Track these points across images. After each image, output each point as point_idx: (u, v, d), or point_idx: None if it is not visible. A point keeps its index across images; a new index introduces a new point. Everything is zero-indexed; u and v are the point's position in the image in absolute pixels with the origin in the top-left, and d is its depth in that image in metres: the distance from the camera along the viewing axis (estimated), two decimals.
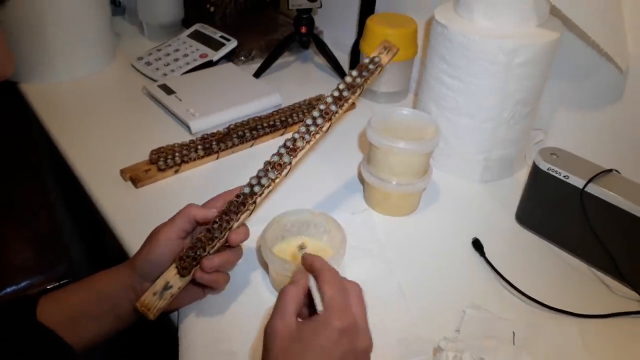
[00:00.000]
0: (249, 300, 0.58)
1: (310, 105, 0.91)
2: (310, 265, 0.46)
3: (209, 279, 0.52)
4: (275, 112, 0.88)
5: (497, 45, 0.66)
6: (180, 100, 0.88)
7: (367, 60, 0.60)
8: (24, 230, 1.69)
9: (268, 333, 0.42)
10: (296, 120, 0.87)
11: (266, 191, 0.54)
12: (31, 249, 1.64)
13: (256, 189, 0.54)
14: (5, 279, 1.51)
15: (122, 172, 0.74)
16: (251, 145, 0.83)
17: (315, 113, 0.57)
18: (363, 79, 0.59)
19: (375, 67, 0.60)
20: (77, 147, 0.80)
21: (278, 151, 0.56)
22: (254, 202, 0.53)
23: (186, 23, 1.13)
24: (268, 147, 0.83)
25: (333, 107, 0.57)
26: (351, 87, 0.58)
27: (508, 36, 0.66)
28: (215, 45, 1.03)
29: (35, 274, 1.55)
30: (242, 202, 0.53)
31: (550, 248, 0.67)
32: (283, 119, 0.86)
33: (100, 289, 0.53)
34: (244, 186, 0.54)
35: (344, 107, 0.58)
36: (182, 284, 0.52)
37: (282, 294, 0.43)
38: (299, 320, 0.43)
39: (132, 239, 0.64)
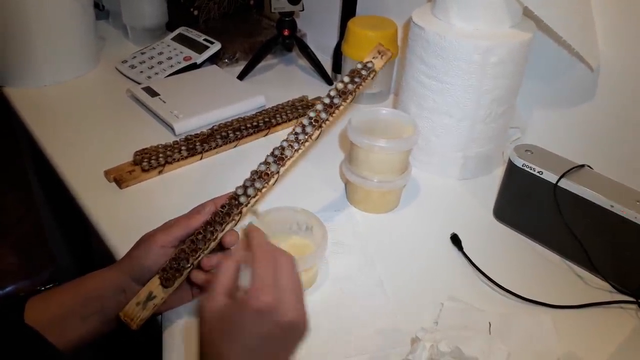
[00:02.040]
0: None
1: (293, 106, 0.92)
2: (250, 241, 0.46)
3: (205, 279, 0.53)
4: (258, 113, 0.89)
5: (472, 45, 0.68)
6: (164, 102, 0.89)
7: (359, 66, 0.59)
8: (9, 235, 1.68)
9: (200, 310, 0.43)
10: (279, 121, 0.88)
11: (252, 201, 0.53)
12: (16, 254, 1.63)
13: (242, 199, 0.53)
14: None
15: (107, 173, 0.75)
16: (235, 146, 0.84)
17: (305, 121, 0.56)
18: (355, 86, 0.58)
19: (368, 72, 0.59)
20: (61, 150, 0.81)
21: (265, 160, 0.55)
22: (240, 213, 0.53)
23: (170, 26, 1.14)
24: (252, 148, 0.85)
25: (323, 115, 0.56)
26: (342, 94, 0.57)
27: (482, 37, 0.68)
28: (199, 48, 1.04)
29: (21, 279, 1.55)
30: (227, 212, 0.53)
31: (526, 242, 0.69)
32: (267, 119, 0.88)
33: (88, 290, 0.53)
34: (231, 195, 0.54)
35: (334, 115, 0.57)
36: (165, 295, 0.52)
37: (216, 270, 0.44)
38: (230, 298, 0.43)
39: (117, 239, 0.65)
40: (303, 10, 0.98)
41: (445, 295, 0.60)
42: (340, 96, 0.57)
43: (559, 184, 0.63)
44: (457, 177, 0.79)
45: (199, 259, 0.52)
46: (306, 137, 0.55)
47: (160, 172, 0.77)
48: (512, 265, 0.66)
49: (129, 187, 0.74)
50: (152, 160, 0.76)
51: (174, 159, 0.78)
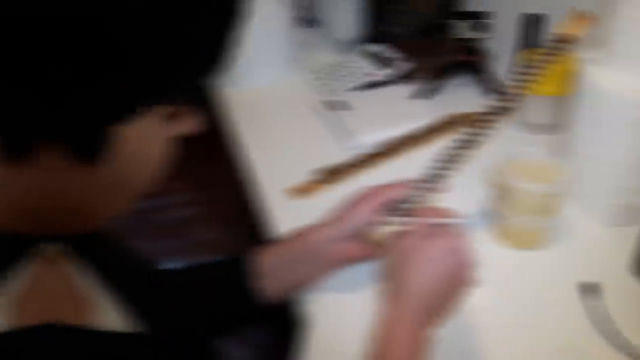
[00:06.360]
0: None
1: (455, 123, 0.97)
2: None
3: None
4: (423, 131, 0.96)
5: (633, 101, 0.66)
6: (348, 117, 1.00)
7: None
8: (214, 213, 1.97)
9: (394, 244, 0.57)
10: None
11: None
12: (219, 230, 1.91)
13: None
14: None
15: (295, 190, 0.86)
16: (398, 157, 0.93)
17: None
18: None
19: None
20: (261, 157, 0.95)
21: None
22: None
23: (368, 40, 1.23)
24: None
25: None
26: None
27: None
28: (387, 65, 1.11)
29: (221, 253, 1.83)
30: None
31: None
32: (431, 137, 0.95)
33: (309, 239, 0.64)
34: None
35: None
36: None
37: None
38: None
39: None
40: (488, 38, 1.01)
41: (556, 345, 0.62)
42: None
43: None
44: (610, 224, 0.77)
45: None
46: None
47: (335, 183, 0.87)
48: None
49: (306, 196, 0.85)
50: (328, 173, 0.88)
51: (348, 170, 0.88)
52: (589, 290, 0.68)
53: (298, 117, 1.06)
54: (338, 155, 0.92)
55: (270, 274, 0.65)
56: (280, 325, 0.85)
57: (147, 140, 0.37)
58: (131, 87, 0.33)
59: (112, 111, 0.33)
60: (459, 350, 0.63)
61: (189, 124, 0.40)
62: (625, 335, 0.62)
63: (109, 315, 0.40)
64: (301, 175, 0.88)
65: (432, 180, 0.63)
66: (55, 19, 0.29)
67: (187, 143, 0.44)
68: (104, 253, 0.46)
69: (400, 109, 1.03)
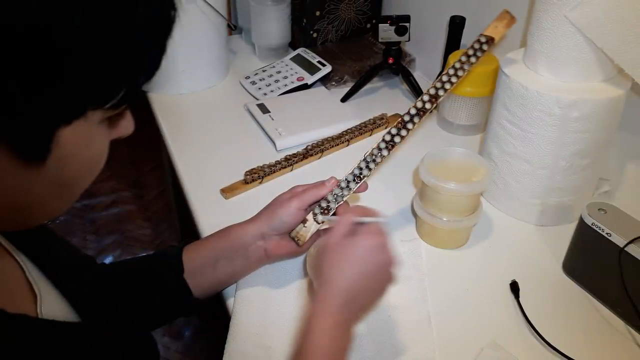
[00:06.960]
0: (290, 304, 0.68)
1: (374, 124, 0.99)
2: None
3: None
4: (344, 132, 0.97)
5: (554, 98, 0.68)
6: (273, 119, 1.00)
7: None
8: (147, 209, 1.97)
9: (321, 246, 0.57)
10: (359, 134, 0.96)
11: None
12: (150, 226, 1.91)
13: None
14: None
15: (222, 190, 0.85)
16: (319, 157, 0.94)
17: (413, 110, 0.66)
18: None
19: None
20: (185, 160, 0.93)
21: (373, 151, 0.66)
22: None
23: (293, 45, 1.25)
24: (336, 157, 0.94)
25: (428, 105, 0.66)
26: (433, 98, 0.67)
27: (566, 90, 0.68)
28: (312, 69, 1.13)
29: (152, 249, 1.82)
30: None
31: (591, 301, 0.68)
32: (351, 138, 0.96)
33: (235, 236, 0.66)
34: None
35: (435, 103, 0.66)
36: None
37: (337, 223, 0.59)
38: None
39: None
40: (409, 40, 1.03)
41: (489, 341, 0.63)
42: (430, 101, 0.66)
43: (625, 249, 0.61)
44: (534, 223, 0.79)
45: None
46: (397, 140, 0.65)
47: (260, 182, 0.87)
48: (570, 323, 0.65)
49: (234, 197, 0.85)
50: (254, 175, 0.87)
51: (272, 171, 0.88)
52: (518, 287, 0.69)
53: (229, 120, 1.06)
54: (268, 156, 0.92)
55: (193, 271, 0.65)
56: (209, 319, 0.83)
57: (87, 143, 0.38)
58: (71, 93, 0.34)
59: (54, 115, 0.34)
60: (379, 344, 0.62)
61: (124, 127, 0.42)
62: (554, 331, 0.63)
63: (51, 306, 0.45)
64: (231, 175, 0.88)
65: (357, 179, 0.65)
66: (4, 27, 0.30)
67: (123, 145, 0.45)
68: (46, 247, 0.49)
69: (327, 111, 1.04)
